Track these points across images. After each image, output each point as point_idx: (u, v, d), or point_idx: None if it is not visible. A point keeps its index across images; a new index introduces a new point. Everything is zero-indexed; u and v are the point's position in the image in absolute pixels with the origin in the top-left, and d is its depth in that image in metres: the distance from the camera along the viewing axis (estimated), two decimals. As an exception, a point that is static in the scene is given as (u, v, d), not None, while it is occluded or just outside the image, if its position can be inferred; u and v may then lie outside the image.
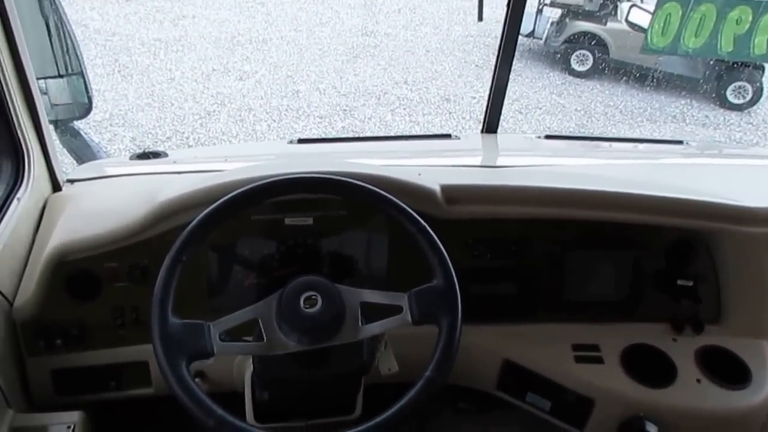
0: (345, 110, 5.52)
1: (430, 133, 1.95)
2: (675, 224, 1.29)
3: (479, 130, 1.93)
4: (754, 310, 1.33)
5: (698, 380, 1.24)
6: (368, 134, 1.89)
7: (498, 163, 1.68)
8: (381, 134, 1.92)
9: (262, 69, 6.31)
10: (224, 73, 6.14)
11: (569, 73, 6.49)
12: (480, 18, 1.79)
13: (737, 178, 1.62)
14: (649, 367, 1.26)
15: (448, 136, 1.92)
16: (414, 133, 1.94)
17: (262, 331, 0.90)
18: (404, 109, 5.58)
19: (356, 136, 1.86)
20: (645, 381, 1.23)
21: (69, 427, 1.11)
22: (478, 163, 1.72)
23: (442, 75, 6.40)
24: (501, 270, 1.30)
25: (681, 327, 1.33)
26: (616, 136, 1.98)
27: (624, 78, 6.32)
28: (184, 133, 4.92)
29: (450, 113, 5.62)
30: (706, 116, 6.02)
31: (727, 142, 5.55)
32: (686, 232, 1.31)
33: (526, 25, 6.63)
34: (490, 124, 1.93)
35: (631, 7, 6.16)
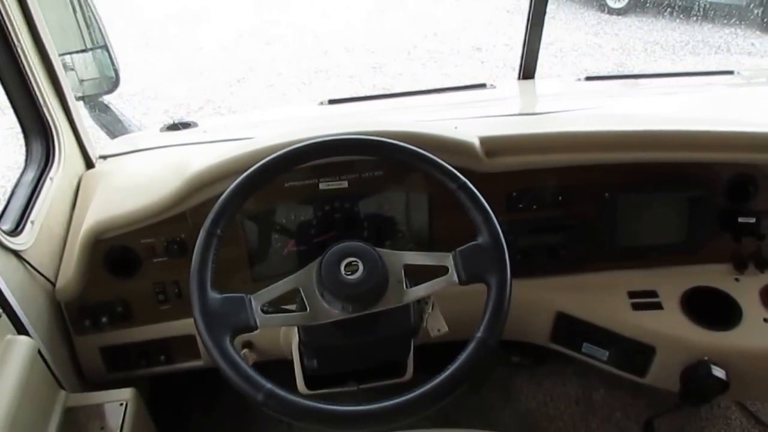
0: (375, 67, 5.42)
1: (464, 84, 1.87)
2: (731, 160, 1.21)
3: (515, 78, 1.86)
4: (821, 243, 1.26)
5: (765, 319, 1.18)
6: (400, 90, 1.83)
7: (537, 110, 1.62)
8: (413, 89, 1.84)
9: (288, 31, 6.22)
10: (251, 39, 6.08)
11: (605, 11, 6.19)
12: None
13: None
14: (712, 309, 1.21)
15: (483, 85, 1.85)
16: (446, 85, 1.86)
17: (305, 300, 0.88)
18: (435, 62, 5.44)
19: (387, 93, 1.80)
20: (708, 324, 1.18)
21: (121, 404, 1.12)
22: (517, 112, 1.65)
23: (472, 24, 6.19)
24: (549, 220, 1.25)
25: (744, 266, 1.27)
26: (659, 72, 1.87)
27: (663, 12, 6.00)
28: (215, 102, 4.92)
29: (482, 62, 5.46)
30: (752, 44, 5.69)
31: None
32: (744, 167, 1.23)
33: (555, -36, 6.35)
34: (527, 70, 1.85)
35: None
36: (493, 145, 1.17)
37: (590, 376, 1.55)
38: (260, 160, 0.93)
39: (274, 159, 0.93)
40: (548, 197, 1.23)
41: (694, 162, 1.21)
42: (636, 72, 2.02)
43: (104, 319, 1.19)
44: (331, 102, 1.75)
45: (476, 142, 1.15)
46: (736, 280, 1.26)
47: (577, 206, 1.24)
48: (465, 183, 0.94)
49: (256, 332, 0.86)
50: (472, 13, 6.43)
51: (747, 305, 1.21)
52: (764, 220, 1.24)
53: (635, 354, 1.23)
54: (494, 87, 1.85)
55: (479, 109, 1.69)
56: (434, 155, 0.95)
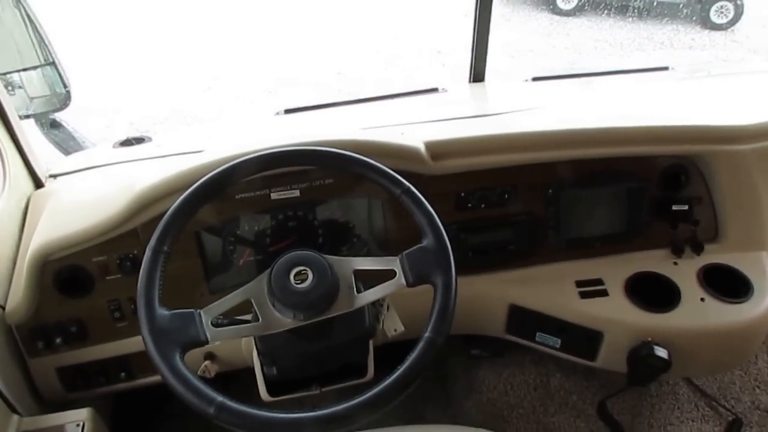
0: (339, 73, 5.47)
1: (417, 89, 1.92)
2: (665, 152, 1.29)
3: (466, 81, 1.91)
4: (750, 223, 1.35)
5: (702, 299, 1.26)
6: (357, 97, 1.87)
7: (487, 112, 1.67)
8: (367, 96, 1.89)
9: (252, 40, 6.20)
10: (217, 46, 6.05)
11: (556, 13, 6.36)
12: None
13: (725, 96, 1.61)
14: (654, 292, 1.28)
15: (435, 90, 1.90)
16: (403, 90, 1.92)
17: (256, 310, 0.90)
18: (397, 66, 5.52)
19: (342, 100, 1.84)
20: (650, 307, 1.25)
21: (78, 425, 1.11)
22: (468, 114, 1.70)
23: (432, 27, 6.28)
24: (497, 218, 1.30)
25: (681, 250, 1.35)
26: (602, 70, 1.96)
27: (611, 11, 6.21)
28: (182, 112, 4.88)
29: (443, 65, 5.54)
30: (693, 39, 5.92)
31: (714, 62, 5.48)
32: (677, 158, 1.31)
33: (506, -31, 6.49)
34: (477, 73, 1.92)
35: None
36: (439, 149, 1.21)
37: (547, 363, 1.62)
38: (204, 175, 0.94)
39: (217, 174, 0.95)
40: (495, 196, 1.28)
41: (629, 156, 1.28)
42: (580, 71, 2.08)
43: (58, 340, 1.18)
44: (288, 111, 1.78)
45: (422, 147, 1.20)
46: (675, 264, 1.34)
47: (523, 203, 1.30)
48: (409, 188, 0.97)
49: (216, 343, 0.88)
50: (432, 17, 6.51)
51: (685, 287, 1.28)
52: (696, 207, 1.32)
53: (585, 340, 1.29)
54: (446, 91, 1.91)
55: (432, 113, 1.74)
56: (378, 162, 0.98)
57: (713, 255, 1.34)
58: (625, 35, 6.00)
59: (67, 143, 1.71)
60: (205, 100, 5.07)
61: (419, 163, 1.20)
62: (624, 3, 6.17)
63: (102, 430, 1.17)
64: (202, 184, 0.94)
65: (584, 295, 1.29)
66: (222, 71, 5.54)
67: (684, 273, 1.31)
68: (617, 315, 1.26)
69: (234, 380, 1.18)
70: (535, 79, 1.94)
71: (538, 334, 1.34)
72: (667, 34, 6.07)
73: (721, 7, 5.97)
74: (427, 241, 0.93)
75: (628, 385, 1.30)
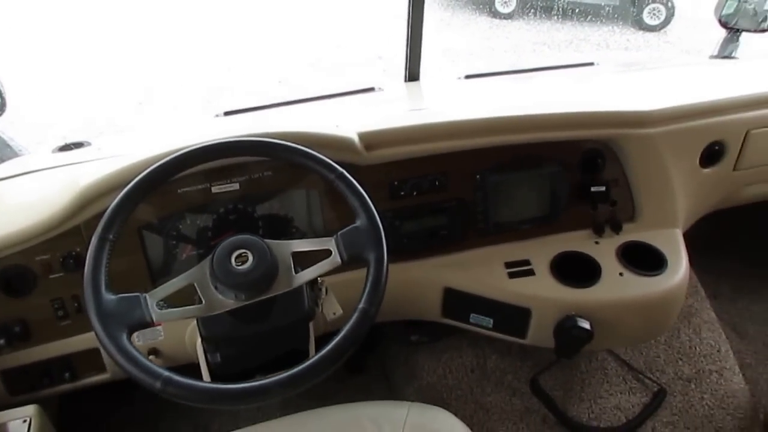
0: (280, 81, 5.50)
1: (353, 89, 1.98)
2: (582, 137, 1.37)
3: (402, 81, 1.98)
4: (662, 203, 1.45)
5: (620, 273, 1.35)
6: (293, 98, 1.92)
7: (420, 107, 1.74)
8: (306, 96, 1.93)
9: (190, 49, 6.17)
10: (153, 56, 5.98)
11: (495, 16, 6.56)
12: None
13: (641, 87, 1.72)
14: (576, 270, 1.36)
15: (371, 89, 1.96)
16: (340, 90, 1.97)
17: (200, 293, 0.94)
18: (339, 72, 5.59)
19: (281, 101, 1.88)
20: (573, 283, 1.33)
21: (24, 421, 1.11)
22: (402, 110, 1.77)
23: (372, 33, 6.37)
24: (429, 205, 1.36)
25: (602, 230, 1.44)
26: (529, 67, 2.07)
27: (548, 14, 6.44)
28: (118, 125, 4.81)
29: (384, 70, 5.64)
30: (628, 40, 6.22)
31: (648, 61, 5.74)
32: (595, 143, 1.40)
33: (447, -26, 6.65)
34: (412, 73, 1.98)
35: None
36: (372, 139, 1.27)
37: (483, 345, 1.69)
38: (147, 169, 0.98)
39: (159, 166, 0.99)
40: (427, 183, 1.34)
41: (550, 141, 1.36)
42: (510, 69, 2.18)
43: (2, 341, 1.18)
44: (227, 113, 1.81)
45: (355, 138, 1.25)
46: (596, 243, 1.42)
47: (453, 189, 1.36)
48: (342, 173, 1.03)
49: (161, 338, 0.91)
50: (373, 22, 6.61)
51: (605, 263, 1.37)
52: (613, 189, 1.42)
53: (515, 318, 1.36)
54: (382, 90, 1.97)
55: (368, 111, 1.80)
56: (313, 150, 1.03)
57: (631, 233, 1.44)
58: (562, 37, 6.24)
59: (2, 152, 1.68)
60: (140, 111, 5.01)
61: (353, 153, 1.24)
62: (561, 6, 6.41)
63: (48, 426, 1.18)
64: (145, 176, 0.97)
65: (513, 276, 1.36)
66: (158, 82, 5.49)
67: (604, 251, 1.40)
68: (543, 292, 1.33)
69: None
70: (468, 76, 2.02)
71: (472, 315, 1.40)
72: (603, 35, 6.35)
73: (654, 9, 6.28)
74: (360, 221, 0.99)
75: (556, 359, 1.37)
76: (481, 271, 1.38)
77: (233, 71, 5.72)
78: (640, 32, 6.31)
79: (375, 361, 1.76)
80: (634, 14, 6.33)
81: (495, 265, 1.38)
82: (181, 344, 1.27)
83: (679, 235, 1.46)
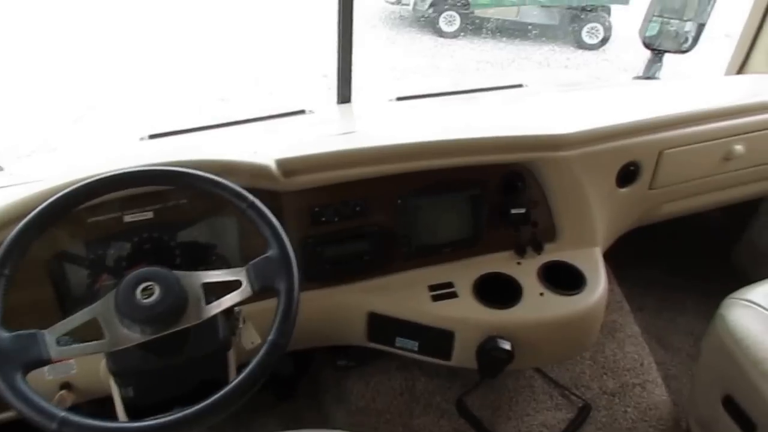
0: (222, 99, 5.44)
1: (284, 112, 1.97)
2: (501, 160, 1.40)
3: (334, 102, 1.98)
4: (581, 222, 1.49)
5: (541, 294, 1.37)
6: (222, 121, 1.89)
7: (351, 130, 1.74)
8: (235, 119, 1.92)
9: (130, 67, 6.05)
10: (100, 73, 5.84)
11: (440, 35, 6.67)
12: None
13: (563, 109, 1.77)
14: (499, 291, 1.38)
15: (302, 111, 1.95)
16: (270, 113, 1.97)
17: (103, 329, 0.91)
18: (282, 90, 5.56)
19: (208, 124, 1.86)
20: (495, 304, 1.35)
21: None
22: (332, 133, 1.77)
23: (317, 51, 6.37)
24: (351, 230, 1.36)
25: (524, 250, 1.46)
26: (461, 89, 2.12)
27: (490, 33, 6.60)
28: (52, 143, 4.67)
29: (329, 89, 5.61)
30: (568, 59, 6.40)
31: (588, 80, 5.94)
32: (514, 166, 1.42)
33: (392, -7, 6.74)
34: (344, 95, 1.99)
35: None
36: (290, 166, 1.26)
37: (412, 368, 1.69)
38: (45, 202, 0.94)
39: (57, 199, 0.95)
40: (348, 209, 1.34)
41: (471, 165, 1.38)
42: (442, 90, 2.21)
43: None
44: (152, 137, 1.77)
45: (272, 164, 1.24)
46: (519, 263, 1.45)
47: (375, 214, 1.36)
48: (253, 202, 1.01)
49: (73, 372, 0.87)
50: (319, 40, 6.61)
51: (526, 284, 1.39)
52: (534, 210, 1.45)
53: (439, 340, 1.37)
54: (313, 112, 1.97)
55: (298, 134, 1.80)
56: (229, 179, 1.02)
57: (552, 253, 1.47)
58: (505, 56, 6.39)
59: None
60: (76, 130, 4.88)
61: (270, 180, 1.23)
62: (503, 26, 6.58)
63: None
64: (42, 209, 0.94)
65: (436, 298, 1.36)
66: (100, 99, 5.36)
67: (526, 271, 1.43)
68: (466, 314, 1.34)
69: (95, 411, 1.15)
70: (399, 98, 2.04)
71: (397, 339, 1.40)
72: (544, 54, 6.53)
73: (592, 28, 6.50)
74: (271, 251, 0.98)
75: (480, 380, 1.38)
76: (404, 294, 1.38)
77: (174, 89, 5.63)
78: (580, 51, 6.51)
79: (308, 386, 1.74)
80: (574, 33, 6.55)
81: (419, 289, 1.39)
82: (96, 377, 1.22)
83: (598, 253, 1.50)
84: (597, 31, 6.47)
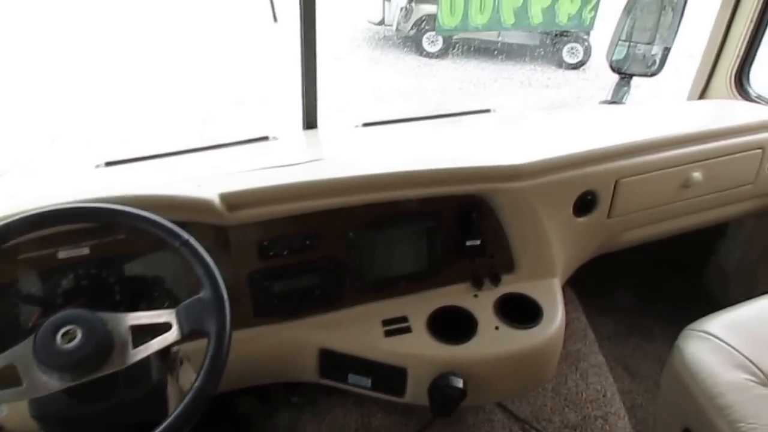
0: (204, 120, 5.42)
1: (247, 138, 1.95)
2: (456, 192, 1.38)
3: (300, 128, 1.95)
4: (539, 253, 1.47)
5: (496, 327, 1.34)
6: (182, 148, 1.88)
7: (313, 158, 1.71)
8: (195, 146, 1.89)
9: (111, 87, 6.03)
10: (70, 93, 5.82)
11: (423, 55, 6.70)
12: (275, 19, 1.81)
13: (526, 136, 1.75)
14: (454, 325, 1.35)
15: (265, 138, 1.93)
16: (233, 140, 1.95)
17: (21, 375, 0.87)
18: (264, 110, 5.55)
19: (168, 151, 1.83)
20: (449, 340, 1.31)
21: None
22: (293, 161, 1.74)
23: (299, 73, 6.38)
24: (301, 264, 1.33)
25: (481, 282, 1.44)
26: (429, 114, 2.11)
27: (473, 53, 6.65)
28: (26, 165, 4.63)
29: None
30: (549, 78, 6.44)
31: (569, 99, 5.97)
32: (469, 197, 1.40)
33: (375, 14, 6.77)
34: (309, 121, 1.97)
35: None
36: (235, 200, 1.23)
37: (369, 404, 1.65)
38: None
39: None
40: (297, 242, 1.32)
41: (425, 197, 1.36)
42: (409, 116, 2.20)
43: None
44: (109, 164, 1.74)
45: (215, 199, 1.21)
46: (475, 296, 1.42)
47: (326, 248, 1.34)
48: (187, 240, 0.99)
49: (4, 414, 0.84)
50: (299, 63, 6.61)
51: (482, 317, 1.36)
52: (490, 241, 1.43)
53: (392, 377, 1.33)
54: (277, 139, 1.95)
55: (259, 161, 1.76)
56: (168, 215, 1.00)
57: (510, 285, 1.44)
58: (487, 75, 6.42)
59: None
60: (52, 150, 4.84)
61: (213, 214, 1.21)
62: (489, 46, 6.62)
63: None
64: None
65: (389, 334, 1.33)
66: (73, 119, 5.33)
67: (482, 304, 1.40)
68: (419, 350, 1.31)
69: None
70: (365, 124, 2.02)
71: (350, 375, 1.36)
72: (526, 73, 6.56)
73: (572, 48, 6.56)
74: (203, 292, 0.96)
75: (433, 418, 1.35)
76: (357, 330, 1.35)
77: (156, 109, 5.61)
78: (561, 70, 6.56)
79: (264, 422, 1.69)
80: (554, 53, 6.61)
81: (372, 324, 1.36)
82: (27, 420, 1.18)
83: (556, 285, 1.47)
84: (577, 50, 6.53)
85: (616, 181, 1.52)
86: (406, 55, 6.68)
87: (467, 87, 6.15)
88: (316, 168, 1.47)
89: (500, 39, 6.50)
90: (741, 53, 1.96)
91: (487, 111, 2.22)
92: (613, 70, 2.33)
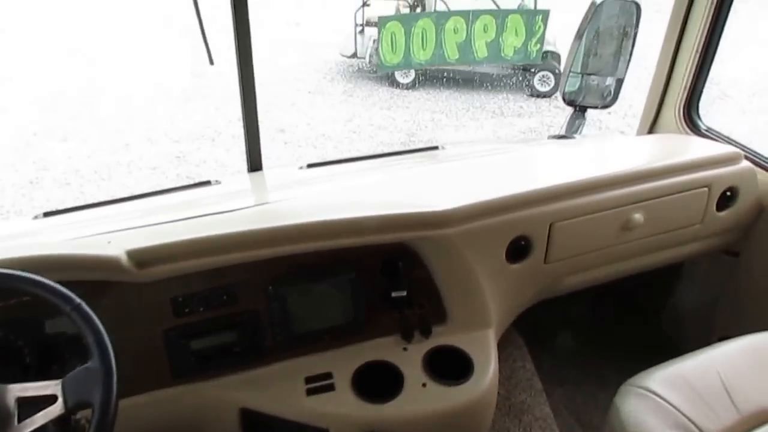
0: (178, 156, 5.41)
1: (190, 183, 1.91)
2: (379, 241, 1.33)
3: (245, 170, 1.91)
4: (471, 303, 1.42)
5: (424, 384, 1.29)
6: (120, 196, 1.84)
7: (253, 203, 1.66)
8: (135, 194, 1.85)
9: (88, 126, 6.04)
10: (47, 136, 5.79)
11: (396, 87, 6.74)
12: (211, 62, 1.79)
13: (465, 177, 1.70)
14: (379, 382, 1.29)
15: (207, 182, 1.89)
16: (174, 185, 1.91)
17: None
18: (239, 147, 5.53)
19: (108, 200, 1.80)
20: (374, 398, 1.26)
21: None
22: (233, 207, 1.69)
23: (275, 106, 6.41)
24: (218, 320, 1.28)
25: (411, 335, 1.38)
26: (375, 153, 2.10)
27: (446, 84, 6.70)
28: (3, 206, 4.58)
29: (286, 143, 5.64)
30: (521, 107, 6.50)
31: (540, 128, 6.00)
32: (394, 246, 1.36)
33: (348, 47, 6.83)
34: (253, 162, 1.93)
35: (436, 17, 6.54)
36: (144, 257, 1.18)
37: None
38: None
39: None
40: (214, 298, 1.27)
41: (349, 247, 1.31)
42: (354, 155, 2.19)
43: None
44: (47, 214, 1.69)
45: (122, 257, 1.16)
46: (404, 349, 1.37)
47: (245, 302, 1.29)
48: (79, 305, 0.94)
49: None
50: (275, 96, 6.66)
51: (410, 373, 1.31)
52: (418, 292, 1.38)
53: (313, 438, 1.27)
54: (219, 183, 1.91)
55: (198, 208, 1.71)
56: (73, 275, 0.99)
57: (441, 337, 1.39)
58: (460, 105, 6.47)
59: None
60: (31, 192, 4.80)
61: (121, 272, 1.15)
62: (461, 76, 6.68)
63: None
64: None
65: (311, 392, 1.27)
66: (51, 161, 5.30)
67: (411, 358, 1.34)
68: (342, 410, 1.25)
69: None
70: (309, 165, 1.98)
71: (272, 436, 1.30)
72: (498, 102, 6.62)
73: (543, 76, 6.65)
74: (92, 362, 0.91)
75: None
76: (279, 388, 1.29)
77: (131, 147, 5.59)
78: (533, 99, 6.62)
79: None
80: (526, 82, 6.68)
81: (294, 381, 1.30)
82: None
83: (490, 336, 1.42)
84: (548, 78, 6.61)
85: (551, 225, 1.47)
86: (379, 86, 6.72)
87: (439, 117, 6.18)
88: (246, 216, 1.42)
89: (472, 69, 6.56)
90: (688, 86, 1.92)
91: (435, 148, 2.19)
92: (567, 102, 2.31)
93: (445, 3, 6.83)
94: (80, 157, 5.44)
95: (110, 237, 1.25)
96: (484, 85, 6.76)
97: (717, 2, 1.75)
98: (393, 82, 6.66)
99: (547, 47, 6.36)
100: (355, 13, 6.42)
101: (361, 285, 1.35)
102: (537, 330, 1.98)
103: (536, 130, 6.02)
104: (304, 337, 1.34)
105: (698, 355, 1.40)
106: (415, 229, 1.34)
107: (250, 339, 1.30)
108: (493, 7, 6.18)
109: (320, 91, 6.76)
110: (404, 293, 1.35)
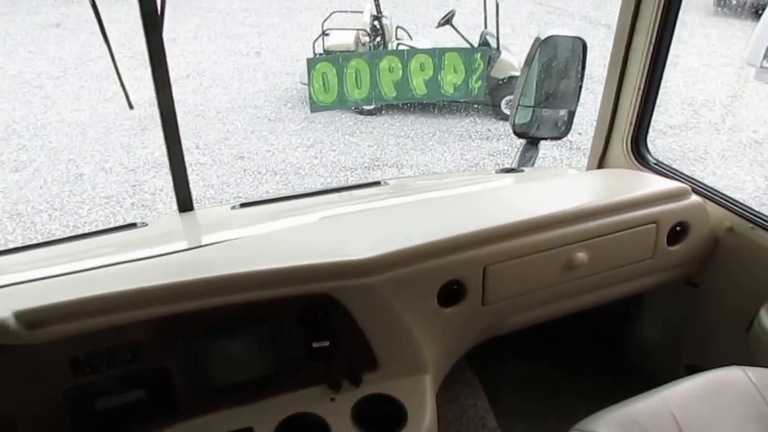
0: (134, 185, 5.30)
1: (113, 226, 1.81)
2: (296, 293, 1.25)
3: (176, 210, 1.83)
4: (403, 349, 1.35)
5: None
6: (49, 239, 1.75)
7: (173, 249, 1.57)
8: (60, 237, 1.75)
9: (40, 156, 5.89)
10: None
11: (360, 113, 6.71)
12: (130, 106, 1.73)
13: (402, 217, 1.63)
14: None
15: (133, 225, 1.79)
16: (99, 228, 1.82)
17: None
18: (197, 174, 5.44)
19: (32, 243, 1.71)
20: None
21: None
22: (152, 254, 1.60)
23: (234, 134, 6.33)
24: (125, 378, 1.19)
25: (338, 384, 1.31)
26: (313, 190, 2.03)
27: (411, 109, 6.69)
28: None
29: (245, 171, 5.55)
30: (489, 130, 6.50)
31: (509, 150, 6.00)
32: (314, 296, 1.27)
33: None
34: (183, 203, 1.84)
35: (397, 46, 6.59)
36: (34, 317, 1.08)
37: None
38: None
39: None
40: (118, 355, 1.18)
41: (267, 298, 1.23)
42: (289, 194, 2.11)
43: None
44: None
45: (9, 319, 1.06)
46: (332, 399, 1.29)
47: (152, 358, 1.20)
48: None
49: None
50: (234, 123, 6.59)
51: (337, 426, 1.23)
52: (342, 341, 1.30)
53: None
54: (146, 225, 1.81)
55: (121, 254, 1.61)
56: None
57: (373, 385, 1.32)
58: (426, 130, 6.45)
59: None
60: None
61: (7, 335, 1.06)
62: (424, 101, 6.67)
63: None
64: None
65: None
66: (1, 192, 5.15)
67: (339, 409, 1.27)
68: None
69: None
70: (243, 205, 1.90)
71: (188, 504, 1.21)
72: (465, 126, 6.61)
73: (509, 100, 6.64)
74: None
75: None
76: (195, 448, 1.20)
77: (85, 177, 5.46)
78: (501, 122, 6.61)
79: None
80: (493, 105, 6.69)
81: None
82: None
83: (427, 382, 1.35)
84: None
85: (485, 268, 1.40)
86: (342, 113, 6.67)
87: (404, 142, 6.14)
88: (157, 266, 1.33)
89: (437, 94, 6.56)
90: (633, 121, 1.87)
91: (378, 183, 2.13)
92: (519, 134, 2.26)
93: (407, 32, 6.88)
94: (32, 187, 5.29)
95: (5, 292, 1.16)
96: (451, 109, 6.76)
97: (657, 37, 1.72)
98: (357, 109, 6.62)
99: (512, 72, 6.40)
100: (314, 43, 6.39)
101: (281, 336, 1.27)
102: (492, 364, 1.90)
103: (505, 152, 6.01)
104: (222, 390, 1.26)
105: (652, 394, 1.32)
106: (335, 279, 1.26)
107: (159, 396, 1.21)
108: (460, 39, 6.24)
109: (281, 118, 6.68)
110: (327, 343, 1.28)
